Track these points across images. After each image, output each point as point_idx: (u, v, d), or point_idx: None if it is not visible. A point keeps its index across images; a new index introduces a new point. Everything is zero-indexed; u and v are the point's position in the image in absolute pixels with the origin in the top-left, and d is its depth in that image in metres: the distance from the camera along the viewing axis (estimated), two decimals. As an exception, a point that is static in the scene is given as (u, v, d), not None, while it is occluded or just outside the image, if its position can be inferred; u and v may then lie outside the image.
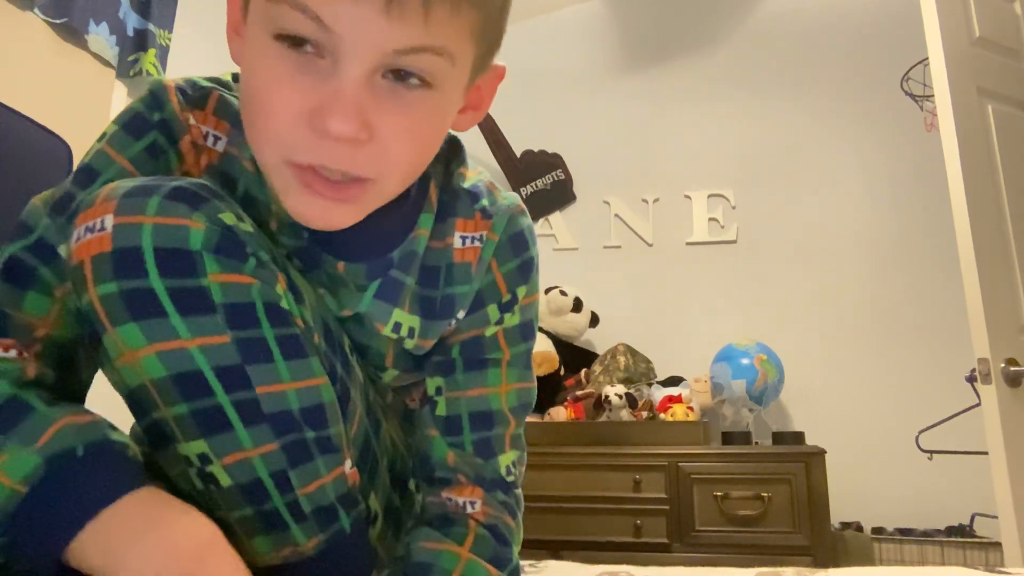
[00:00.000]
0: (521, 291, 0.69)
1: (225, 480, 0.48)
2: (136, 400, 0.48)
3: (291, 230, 0.61)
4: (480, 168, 0.71)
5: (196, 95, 0.60)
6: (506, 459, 0.67)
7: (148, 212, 0.46)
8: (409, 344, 0.66)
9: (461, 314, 0.67)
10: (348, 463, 0.54)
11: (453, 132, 0.67)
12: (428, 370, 0.68)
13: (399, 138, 0.51)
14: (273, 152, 0.51)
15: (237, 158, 0.61)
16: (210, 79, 0.63)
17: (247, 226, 0.50)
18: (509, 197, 0.70)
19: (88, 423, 0.46)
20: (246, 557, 0.50)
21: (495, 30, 0.55)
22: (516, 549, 0.66)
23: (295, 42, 0.48)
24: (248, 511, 0.49)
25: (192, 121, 0.59)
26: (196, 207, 0.47)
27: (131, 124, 0.59)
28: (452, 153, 0.69)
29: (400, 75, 0.50)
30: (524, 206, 0.71)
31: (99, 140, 0.59)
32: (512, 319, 0.69)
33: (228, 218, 0.48)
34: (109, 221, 0.45)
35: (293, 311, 0.51)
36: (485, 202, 0.67)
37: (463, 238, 0.66)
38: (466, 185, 0.68)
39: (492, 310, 0.68)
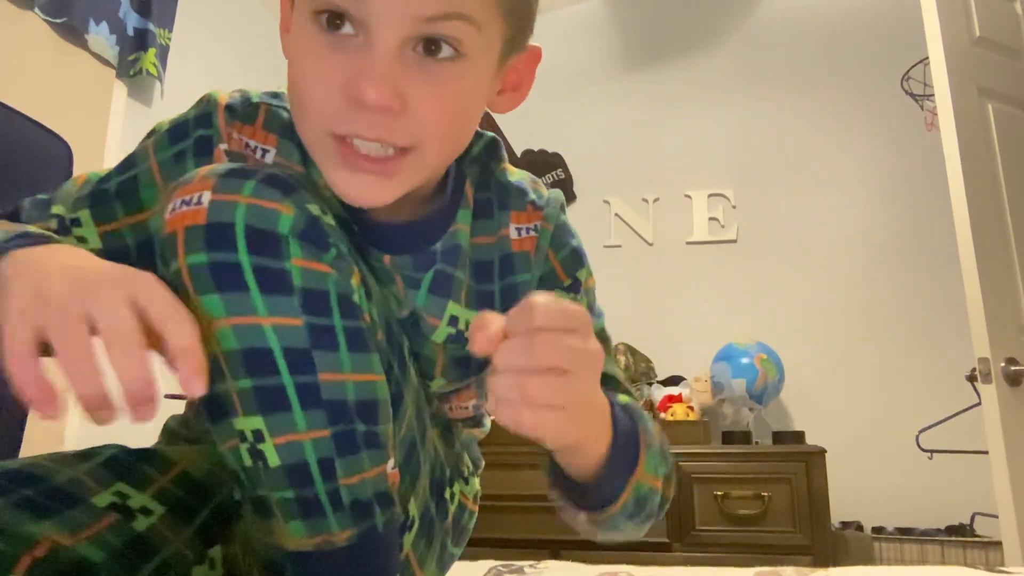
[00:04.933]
0: (582, 274, 0.72)
1: (274, 460, 0.49)
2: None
3: (340, 226, 0.62)
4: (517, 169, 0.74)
5: (245, 111, 0.64)
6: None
7: (244, 192, 0.48)
8: None
9: None
10: (391, 463, 0.55)
11: (491, 133, 0.71)
12: None
13: (432, 107, 0.53)
14: (313, 125, 0.54)
15: (286, 168, 0.63)
16: (264, 93, 0.66)
17: (329, 219, 0.52)
18: (551, 191, 0.73)
19: None
20: (280, 539, 0.51)
21: (525, 8, 0.59)
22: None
23: (332, 21, 0.52)
24: (290, 494, 0.49)
25: (235, 135, 0.63)
26: (287, 194, 0.49)
27: (175, 131, 0.65)
28: (490, 153, 0.71)
29: (430, 48, 0.53)
30: (563, 196, 0.74)
31: (149, 135, 0.66)
32: (582, 301, 0.71)
33: (314, 209, 0.50)
34: (206, 197, 0.48)
35: (363, 305, 0.53)
36: (533, 196, 0.71)
37: (518, 229, 0.69)
38: (512, 180, 0.71)
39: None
